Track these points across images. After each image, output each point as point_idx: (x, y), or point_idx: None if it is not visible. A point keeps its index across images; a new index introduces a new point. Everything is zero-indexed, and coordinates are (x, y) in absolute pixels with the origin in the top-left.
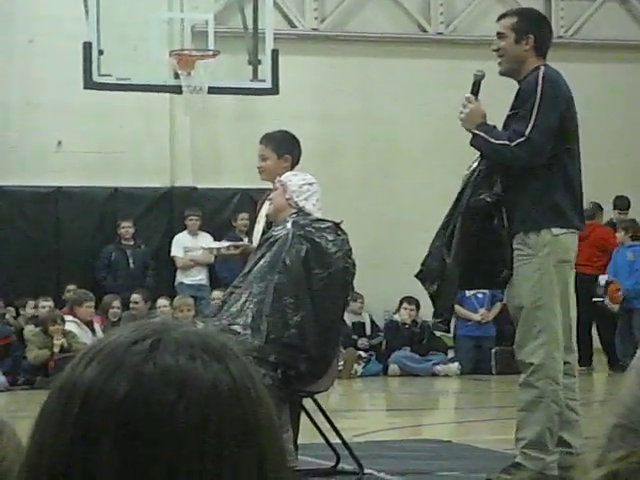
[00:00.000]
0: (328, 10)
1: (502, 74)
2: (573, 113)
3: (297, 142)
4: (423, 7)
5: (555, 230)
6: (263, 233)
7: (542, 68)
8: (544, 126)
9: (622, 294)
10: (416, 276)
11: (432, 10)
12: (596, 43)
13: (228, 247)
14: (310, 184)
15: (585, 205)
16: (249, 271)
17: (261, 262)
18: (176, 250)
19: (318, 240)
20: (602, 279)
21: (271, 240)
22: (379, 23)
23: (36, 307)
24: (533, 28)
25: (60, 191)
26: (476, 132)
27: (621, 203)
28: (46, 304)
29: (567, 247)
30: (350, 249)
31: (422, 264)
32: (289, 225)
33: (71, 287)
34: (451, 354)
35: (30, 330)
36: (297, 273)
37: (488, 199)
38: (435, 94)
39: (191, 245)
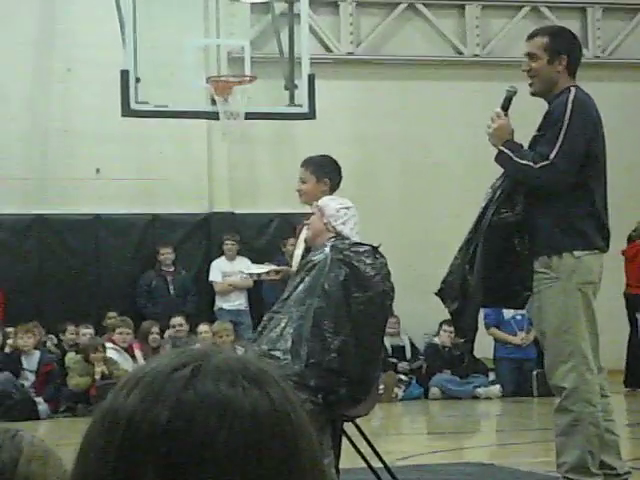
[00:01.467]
0: (364, 34)
1: (533, 95)
2: (600, 136)
3: (337, 166)
4: (459, 29)
5: (577, 252)
6: (302, 258)
7: (572, 90)
8: (570, 152)
9: None
10: (436, 294)
11: (468, 32)
12: (633, 63)
13: (269, 272)
14: (347, 208)
15: (625, 225)
16: (288, 296)
17: (300, 287)
18: (214, 275)
19: (357, 264)
20: None
21: (310, 265)
22: (415, 46)
23: (77, 334)
24: (566, 48)
25: (99, 218)
26: (502, 149)
27: None
28: (87, 331)
29: (590, 269)
30: (389, 272)
31: (442, 282)
32: (327, 249)
33: (112, 314)
34: (492, 376)
35: (71, 357)
36: (336, 297)
37: (511, 218)
38: (471, 115)
39: (229, 270)
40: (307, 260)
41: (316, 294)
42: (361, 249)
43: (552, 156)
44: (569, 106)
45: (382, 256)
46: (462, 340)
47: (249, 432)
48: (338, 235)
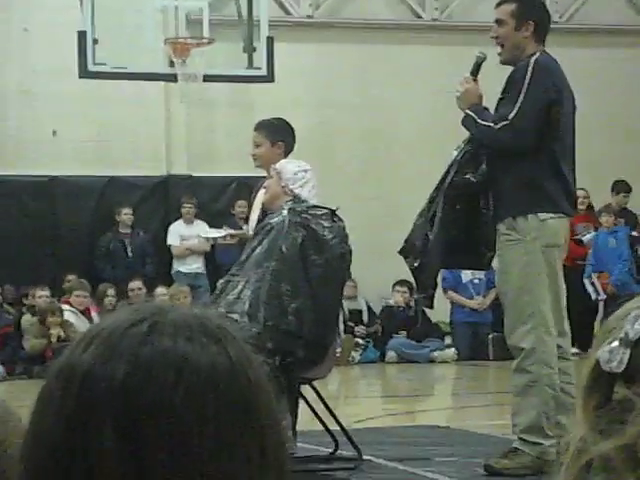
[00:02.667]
0: None
1: (503, 63)
2: (567, 101)
3: (291, 129)
4: None
5: (542, 215)
6: (259, 221)
7: (536, 54)
8: (528, 112)
9: (610, 282)
10: (399, 252)
11: None
12: (590, 28)
13: (225, 236)
14: (305, 171)
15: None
16: (246, 259)
17: (257, 250)
18: (172, 239)
19: (314, 227)
20: (588, 278)
21: (267, 228)
22: (374, 10)
23: (33, 296)
24: (533, 14)
25: (56, 180)
26: (468, 112)
27: (624, 187)
28: (43, 294)
29: (555, 231)
30: (346, 235)
31: (405, 241)
32: (285, 212)
33: (71, 277)
34: (448, 340)
35: (27, 320)
36: (294, 260)
37: (473, 179)
38: (431, 80)
39: (187, 233)
40: (265, 223)
41: (274, 257)
42: (319, 212)
43: (511, 116)
44: (529, 68)
45: (340, 219)
46: (421, 295)
47: (206, 387)
48: (296, 198)
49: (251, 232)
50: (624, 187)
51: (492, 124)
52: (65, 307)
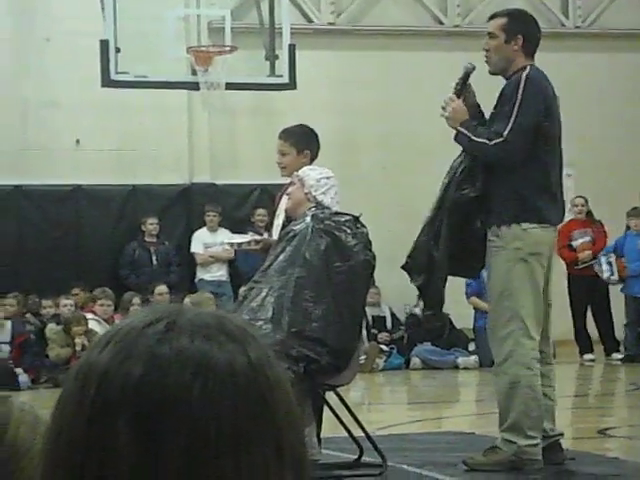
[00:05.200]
0: (344, 4)
1: (492, 73)
2: (555, 114)
3: (316, 136)
4: None
5: (525, 225)
6: (282, 227)
7: (527, 69)
8: (522, 128)
9: (628, 267)
10: (403, 267)
11: (449, 2)
12: (613, 33)
13: (249, 242)
14: (328, 178)
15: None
16: (269, 266)
17: (281, 257)
18: (196, 246)
19: (338, 234)
20: (605, 258)
21: (291, 234)
22: (395, 16)
23: (57, 305)
24: (522, 28)
25: (79, 189)
26: (459, 129)
27: None
28: (67, 302)
29: (537, 241)
30: (369, 242)
31: (408, 256)
32: (308, 219)
33: (79, 289)
34: (472, 347)
35: (51, 328)
36: (317, 266)
37: (472, 194)
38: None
39: (210, 241)
40: (288, 230)
41: (297, 263)
42: (342, 219)
43: (505, 133)
44: (521, 84)
45: (363, 226)
46: (429, 313)
47: (224, 386)
48: (319, 205)
49: (275, 238)
50: None
51: (487, 140)
52: (89, 316)
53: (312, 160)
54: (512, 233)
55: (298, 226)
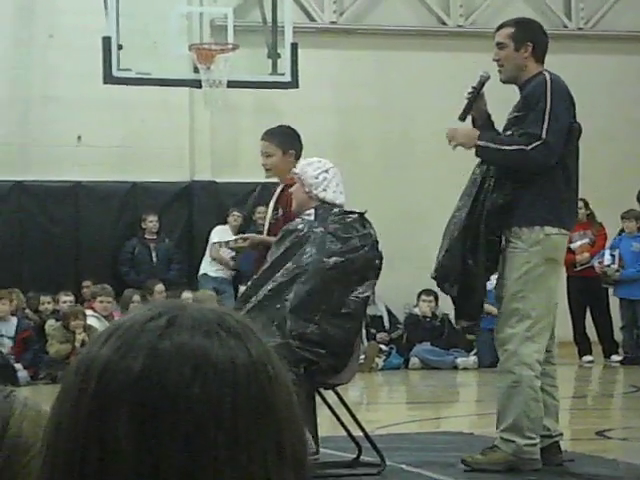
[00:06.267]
0: (347, 3)
1: (504, 82)
2: (574, 114)
3: (298, 136)
4: (442, 0)
5: (547, 229)
6: (275, 221)
7: (546, 73)
8: (558, 127)
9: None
10: (433, 277)
11: (451, 2)
12: (616, 35)
13: (236, 240)
14: (326, 171)
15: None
16: (270, 265)
17: (282, 255)
18: (214, 239)
19: (343, 235)
20: (610, 249)
21: (294, 234)
22: (398, 16)
23: (56, 301)
24: (530, 36)
25: (80, 185)
26: (480, 144)
27: None
28: (67, 299)
29: (556, 247)
30: (376, 242)
31: (439, 265)
32: (312, 217)
33: (86, 283)
34: (474, 348)
35: (51, 325)
36: (320, 269)
37: (500, 200)
38: (454, 87)
39: (218, 239)
40: (292, 228)
41: (299, 264)
42: (348, 219)
43: (544, 135)
44: (548, 86)
45: (370, 225)
46: (472, 323)
47: (224, 383)
48: (322, 202)
49: (265, 234)
50: None
51: (523, 146)
52: (88, 312)
53: (297, 159)
54: (534, 236)
55: (301, 225)
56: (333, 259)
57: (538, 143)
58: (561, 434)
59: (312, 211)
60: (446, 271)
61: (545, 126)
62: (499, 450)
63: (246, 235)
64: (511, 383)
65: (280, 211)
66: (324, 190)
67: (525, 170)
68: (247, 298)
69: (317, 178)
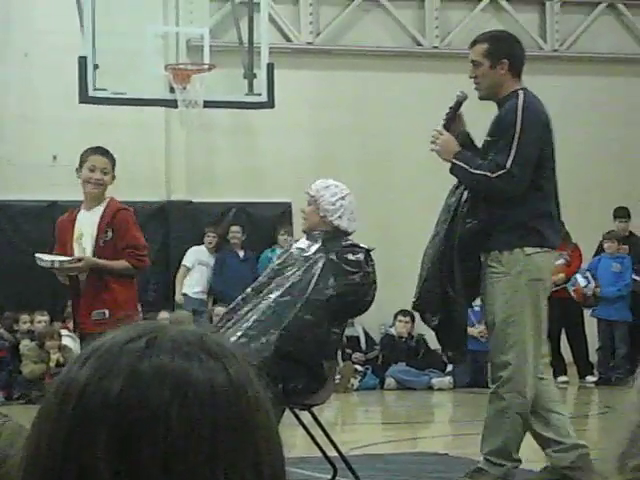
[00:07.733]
0: (323, 24)
1: (481, 99)
2: (550, 136)
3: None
4: (418, 21)
5: (528, 249)
6: (100, 248)
7: (521, 95)
8: (524, 159)
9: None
10: (413, 308)
11: (427, 23)
12: (591, 56)
13: (70, 261)
14: (343, 198)
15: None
16: (258, 285)
17: (267, 279)
18: (187, 260)
19: (346, 268)
20: (581, 273)
21: (301, 258)
22: (374, 37)
23: (32, 322)
24: (506, 52)
25: (55, 205)
26: (454, 162)
27: (622, 213)
28: (42, 318)
29: (540, 266)
30: (374, 281)
31: (418, 296)
32: (319, 245)
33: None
34: (448, 367)
35: (25, 345)
36: (316, 299)
37: (476, 227)
38: (430, 107)
39: (204, 259)
40: (298, 249)
41: (298, 289)
42: (353, 257)
43: (508, 165)
44: (519, 113)
45: (373, 263)
46: (454, 353)
47: (204, 404)
48: (334, 230)
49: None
50: (621, 213)
51: (488, 173)
52: (64, 332)
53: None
54: (515, 258)
55: (310, 249)
56: (331, 291)
57: (502, 172)
58: (582, 445)
59: (320, 233)
60: (426, 301)
61: (511, 156)
62: (486, 473)
63: (80, 256)
64: (501, 409)
65: (110, 234)
66: (339, 217)
67: (491, 196)
68: (230, 315)
69: (334, 205)
